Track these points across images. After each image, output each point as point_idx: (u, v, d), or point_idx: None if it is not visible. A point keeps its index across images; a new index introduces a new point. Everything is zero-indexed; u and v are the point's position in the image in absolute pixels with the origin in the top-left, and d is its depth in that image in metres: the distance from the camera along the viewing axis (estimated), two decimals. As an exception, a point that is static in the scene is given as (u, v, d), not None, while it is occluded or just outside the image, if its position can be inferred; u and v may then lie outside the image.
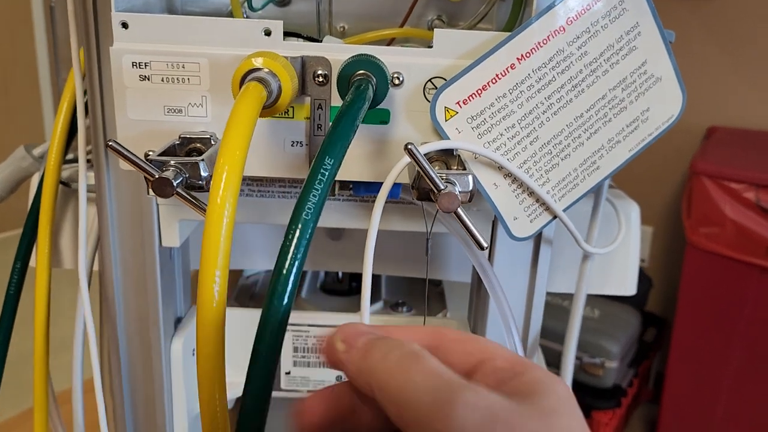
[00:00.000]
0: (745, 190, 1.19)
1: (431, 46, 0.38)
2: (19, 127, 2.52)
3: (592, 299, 1.46)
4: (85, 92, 0.44)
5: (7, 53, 2.42)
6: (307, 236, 0.24)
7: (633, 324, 1.45)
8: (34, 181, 0.55)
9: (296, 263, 0.24)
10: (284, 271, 0.24)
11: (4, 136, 2.48)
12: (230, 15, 0.45)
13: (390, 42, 0.47)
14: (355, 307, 0.67)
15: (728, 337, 1.27)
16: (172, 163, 0.32)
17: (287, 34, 0.39)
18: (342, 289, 0.71)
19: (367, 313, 0.36)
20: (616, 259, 0.55)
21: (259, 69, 0.32)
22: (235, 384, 0.26)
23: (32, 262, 0.53)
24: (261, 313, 0.23)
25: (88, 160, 0.47)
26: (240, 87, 0.32)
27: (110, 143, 0.32)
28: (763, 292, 1.21)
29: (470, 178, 0.34)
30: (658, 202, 1.65)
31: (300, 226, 0.24)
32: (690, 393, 1.35)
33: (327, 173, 0.27)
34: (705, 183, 1.22)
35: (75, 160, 0.54)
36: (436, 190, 0.33)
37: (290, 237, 0.24)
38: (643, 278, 1.61)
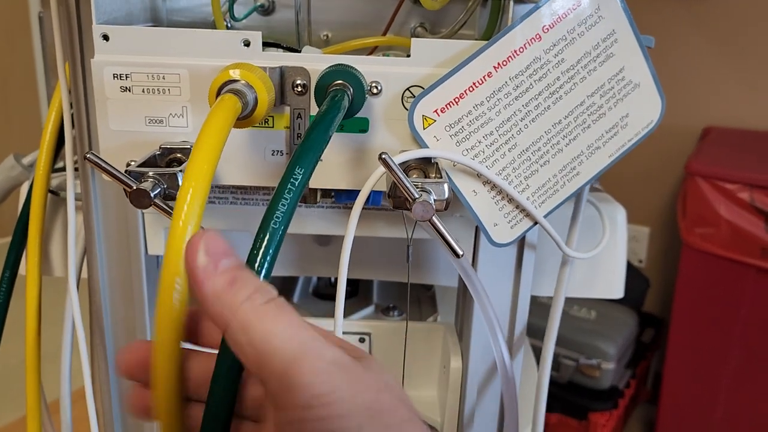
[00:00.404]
0: (740, 190, 1.19)
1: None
2: (18, 132, 2.53)
3: (589, 300, 1.46)
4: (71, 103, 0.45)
5: (6, 59, 2.43)
6: (275, 245, 0.25)
7: (630, 325, 1.45)
8: (24, 189, 0.55)
9: (263, 272, 0.24)
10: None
11: (3, 141, 2.49)
12: (213, 25, 0.45)
13: (373, 50, 0.47)
14: (347, 311, 0.67)
15: (726, 337, 1.27)
16: (151, 174, 0.33)
17: (267, 44, 0.40)
18: (334, 293, 0.72)
19: (340, 321, 0.36)
20: (603, 262, 0.55)
21: (235, 81, 0.32)
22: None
23: (21, 270, 0.54)
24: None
25: (76, 169, 0.47)
26: (216, 98, 0.32)
27: (88, 155, 0.32)
28: (759, 292, 1.21)
29: (445, 186, 0.34)
30: (655, 202, 1.65)
31: (268, 235, 0.25)
32: (688, 393, 1.35)
33: (297, 182, 0.27)
34: (699, 183, 1.23)
35: (64, 169, 0.55)
36: (410, 199, 0.33)
37: (258, 245, 0.25)
38: (640, 279, 1.61)
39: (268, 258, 0.24)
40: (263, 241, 0.24)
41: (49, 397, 0.55)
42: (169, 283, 0.24)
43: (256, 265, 0.24)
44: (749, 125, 1.49)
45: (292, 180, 0.27)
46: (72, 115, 0.44)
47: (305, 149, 0.29)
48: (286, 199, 0.26)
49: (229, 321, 0.23)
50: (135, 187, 0.32)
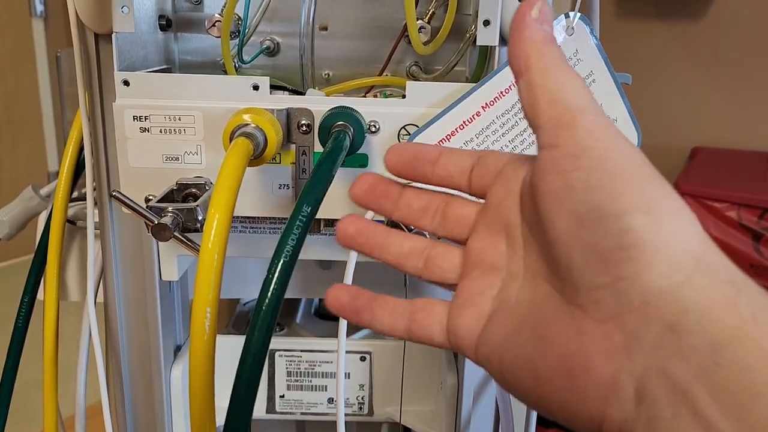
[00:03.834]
0: (728, 209, 1.23)
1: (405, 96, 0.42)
2: (22, 156, 2.57)
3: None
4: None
5: (11, 86, 2.48)
6: (285, 276, 0.28)
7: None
8: (41, 218, 0.58)
9: (273, 303, 0.27)
10: (264, 308, 0.27)
11: (8, 163, 2.53)
12: (223, 65, 0.49)
13: (371, 87, 0.51)
14: (349, 331, 0.70)
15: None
16: (170, 209, 0.36)
17: (274, 87, 0.43)
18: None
19: (343, 340, 0.39)
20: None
21: (247, 124, 0.36)
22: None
23: (39, 296, 0.57)
24: (243, 347, 0.27)
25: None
26: (230, 141, 0.35)
27: (114, 194, 0.36)
28: (749, 308, 1.25)
29: (438, 217, 0.38)
30: (648, 220, 1.68)
31: (279, 268, 0.28)
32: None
33: (305, 219, 0.30)
34: (688, 202, 1.25)
35: (78, 200, 0.58)
36: (407, 230, 0.36)
37: (271, 274, 0.28)
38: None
39: (280, 285, 0.27)
40: (275, 274, 0.28)
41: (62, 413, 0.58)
42: (201, 311, 0.27)
43: (270, 290, 0.27)
44: (736, 145, 1.53)
45: (300, 217, 0.30)
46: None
47: (311, 187, 0.32)
48: (295, 235, 0.29)
49: (533, 63, 0.26)
50: (156, 222, 0.35)
